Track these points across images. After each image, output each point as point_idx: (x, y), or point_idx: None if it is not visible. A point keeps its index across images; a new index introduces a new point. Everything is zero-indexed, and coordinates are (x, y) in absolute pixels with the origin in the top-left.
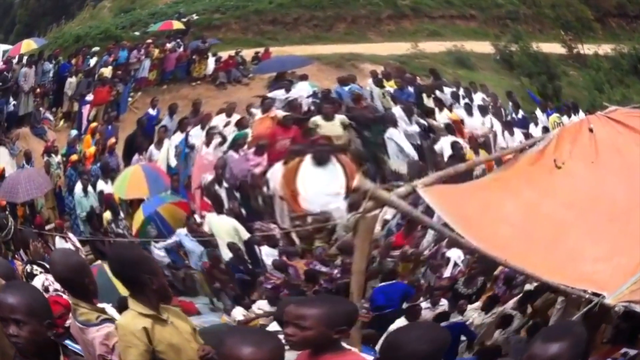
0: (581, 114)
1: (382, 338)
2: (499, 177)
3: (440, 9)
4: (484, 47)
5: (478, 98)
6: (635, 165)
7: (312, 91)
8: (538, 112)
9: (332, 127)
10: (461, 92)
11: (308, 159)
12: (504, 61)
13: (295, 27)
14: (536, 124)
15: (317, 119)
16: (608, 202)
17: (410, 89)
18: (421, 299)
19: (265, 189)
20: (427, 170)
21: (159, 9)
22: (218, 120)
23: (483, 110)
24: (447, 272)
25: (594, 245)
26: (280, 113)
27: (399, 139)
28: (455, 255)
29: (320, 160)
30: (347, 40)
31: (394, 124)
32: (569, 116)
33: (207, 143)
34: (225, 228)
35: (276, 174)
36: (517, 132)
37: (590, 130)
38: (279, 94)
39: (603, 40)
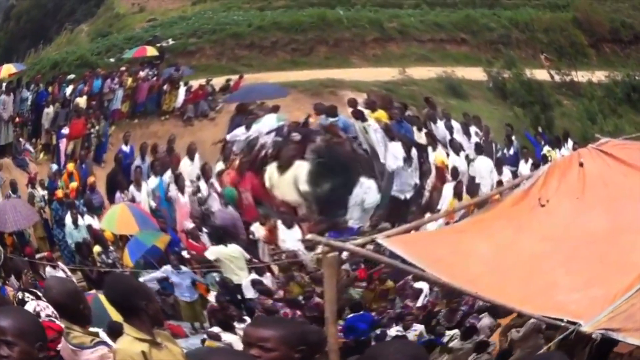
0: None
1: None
2: (476, 220)
3: (429, 32)
4: (476, 73)
5: (471, 132)
6: (620, 198)
7: (276, 126)
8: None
9: (287, 189)
10: (456, 126)
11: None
12: (497, 89)
13: (272, 51)
14: (526, 161)
15: (272, 170)
16: (587, 235)
17: (407, 124)
18: (393, 324)
19: (251, 236)
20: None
21: (135, 34)
22: (184, 165)
23: (478, 149)
24: (419, 302)
25: (569, 276)
26: (241, 158)
27: (368, 190)
28: (426, 286)
29: (288, 225)
30: (328, 65)
31: (370, 173)
32: (559, 148)
33: (181, 191)
34: (234, 253)
35: (259, 230)
36: (506, 170)
37: (581, 164)
38: (239, 133)
39: (597, 67)
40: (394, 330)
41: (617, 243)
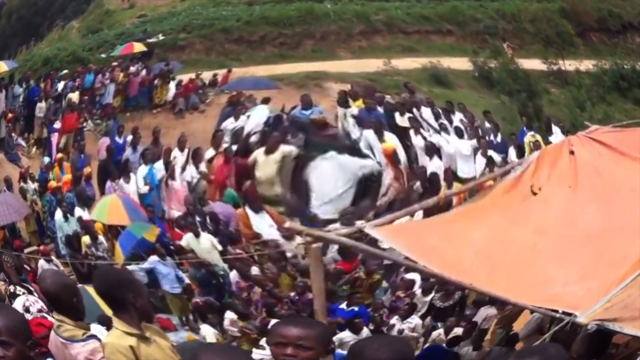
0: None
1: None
2: (468, 209)
3: (415, 24)
4: (462, 63)
5: (456, 119)
6: (614, 187)
7: (267, 117)
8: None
9: (267, 168)
10: (440, 112)
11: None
12: (483, 78)
13: (260, 45)
14: (515, 147)
15: (259, 153)
16: (582, 227)
17: (380, 109)
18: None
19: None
20: None
21: (126, 29)
22: (175, 154)
23: (460, 133)
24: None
25: (564, 269)
26: (228, 145)
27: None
28: (418, 277)
29: (256, 209)
30: (314, 58)
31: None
32: (547, 135)
33: (173, 177)
34: (205, 246)
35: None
36: (494, 157)
37: (571, 152)
38: (228, 123)
39: (584, 56)
40: (393, 319)
41: (611, 234)
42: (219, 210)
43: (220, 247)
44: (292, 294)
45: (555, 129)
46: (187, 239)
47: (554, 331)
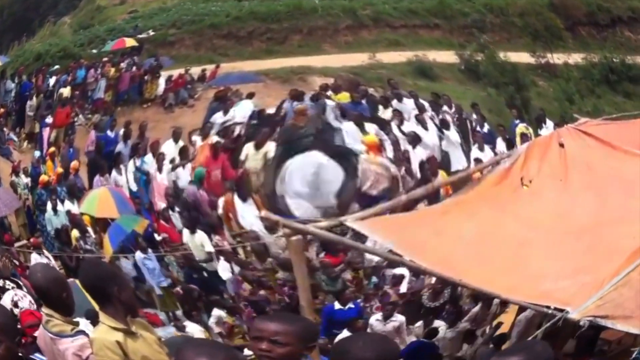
0: (549, 123)
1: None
2: (457, 201)
3: (402, 18)
4: (448, 56)
5: (441, 110)
6: (605, 181)
7: (251, 111)
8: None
9: (255, 161)
10: (425, 104)
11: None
12: (470, 71)
13: (248, 41)
14: (504, 139)
15: (249, 147)
16: (574, 221)
17: (364, 102)
18: (376, 311)
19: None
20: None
21: (117, 25)
22: (167, 146)
23: (445, 124)
24: (402, 289)
25: (557, 264)
26: (217, 139)
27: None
28: (407, 272)
29: (244, 198)
30: (300, 53)
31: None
32: (539, 128)
33: (159, 169)
34: (197, 242)
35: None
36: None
37: (561, 145)
38: (217, 117)
39: (573, 50)
40: (373, 319)
41: (603, 228)
42: (190, 194)
43: (211, 249)
44: (286, 288)
45: (549, 122)
46: (185, 236)
47: (545, 327)
